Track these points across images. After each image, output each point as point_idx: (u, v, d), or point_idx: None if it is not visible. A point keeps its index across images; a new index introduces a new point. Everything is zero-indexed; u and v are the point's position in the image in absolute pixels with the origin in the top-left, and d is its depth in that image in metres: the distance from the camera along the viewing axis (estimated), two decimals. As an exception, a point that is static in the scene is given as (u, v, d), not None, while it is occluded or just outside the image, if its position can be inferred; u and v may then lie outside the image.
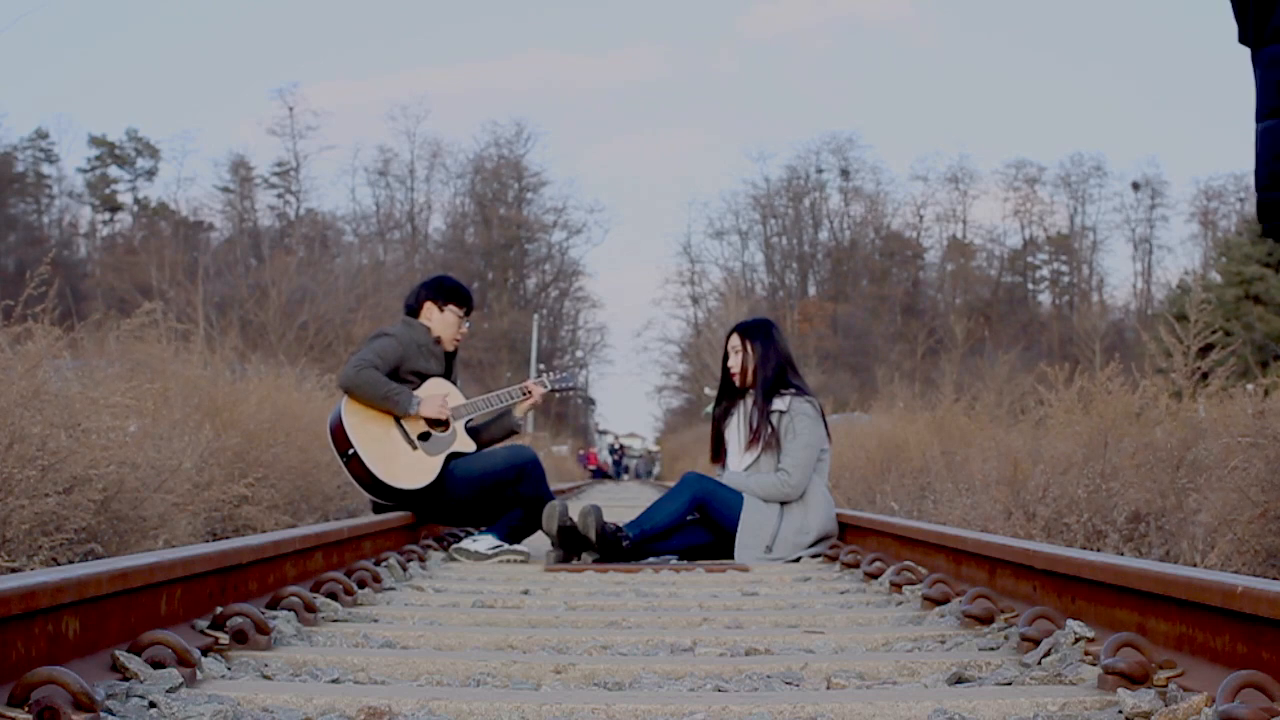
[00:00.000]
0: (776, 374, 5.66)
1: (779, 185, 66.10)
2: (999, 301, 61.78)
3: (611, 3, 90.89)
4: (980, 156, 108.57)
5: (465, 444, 5.71)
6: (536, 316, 59.77)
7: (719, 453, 5.81)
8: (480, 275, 61.34)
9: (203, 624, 2.75)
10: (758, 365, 5.65)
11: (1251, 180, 2.85)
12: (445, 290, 5.89)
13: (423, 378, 5.73)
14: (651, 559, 5.41)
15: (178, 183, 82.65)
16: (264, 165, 61.93)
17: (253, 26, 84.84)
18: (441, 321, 5.84)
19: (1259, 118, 2.77)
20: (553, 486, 6.01)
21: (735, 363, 5.71)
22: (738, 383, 5.73)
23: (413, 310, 5.89)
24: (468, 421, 5.78)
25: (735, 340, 5.74)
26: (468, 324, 5.96)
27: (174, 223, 53.79)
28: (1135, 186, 63.75)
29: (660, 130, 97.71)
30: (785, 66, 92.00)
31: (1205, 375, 7.40)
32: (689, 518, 5.53)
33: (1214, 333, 7.91)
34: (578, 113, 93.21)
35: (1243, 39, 2.84)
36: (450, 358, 5.93)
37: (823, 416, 5.71)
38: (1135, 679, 2.25)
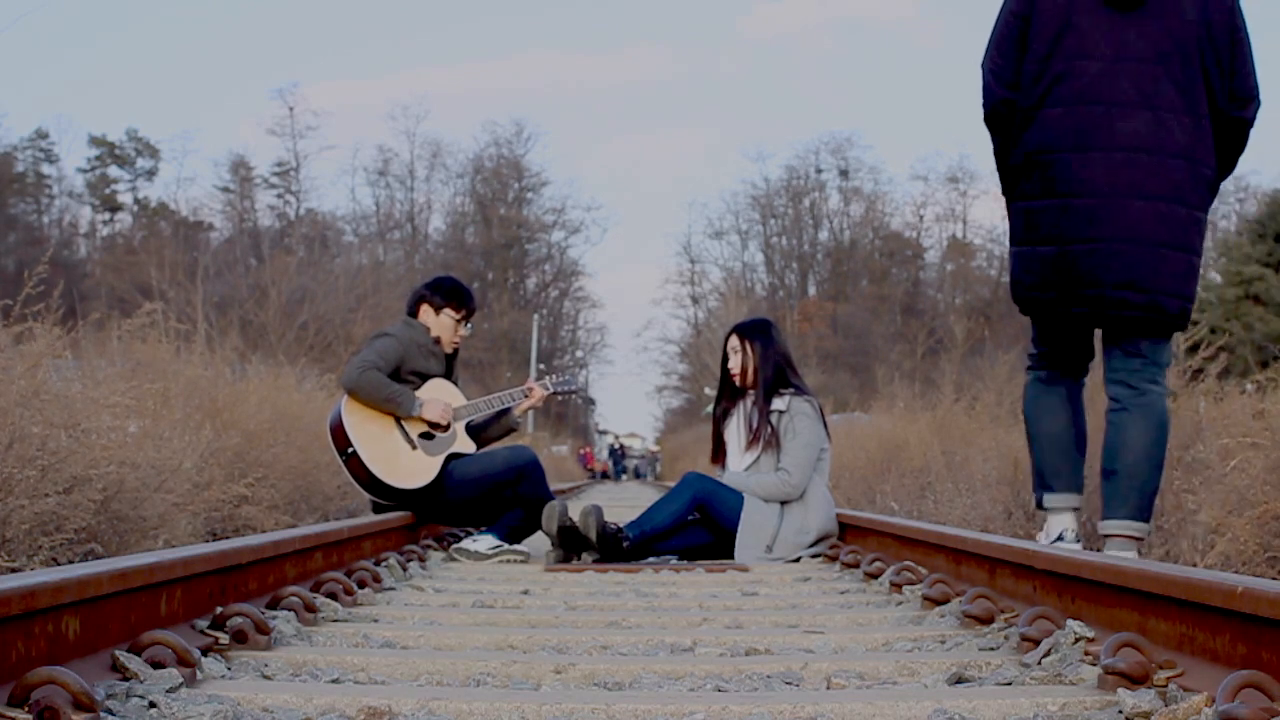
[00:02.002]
0: (776, 374, 5.66)
1: (778, 185, 66.16)
2: (999, 301, 61.62)
3: (612, 3, 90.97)
4: (980, 156, 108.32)
5: (465, 444, 5.71)
6: (536, 316, 59.77)
7: (719, 453, 5.81)
8: (480, 275, 61.32)
9: (203, 624, 2.75)
10: (757, 365, 5.65)
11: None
12: (443, 292, 5.88)
13: (423, 378, 5.72)
14: (652, 559, 5.41)
15: (178, 183, 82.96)
16: (264, 165, 62.01)
17: (253, 26, 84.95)
18: (438, 324, 5.83)
19: (1012, 244, 4.12)
20: (553, 486, 6.00)
21: (735, 363, 5.70)
22: (738, 383, 5.72)
23: (411, 310, 5.89)
24: (468, 421, 5.78)
25: (734, 341, 5.73)
26: (468, 327, 5.93)
27: (174, 223, 53.77)
28: (1135, 186, 63.68)
29: (660, 130, 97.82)
30: (786, 66, 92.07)
31: (1198, 372, 7.42)
32: (689, 518, 5.53)
33: (1212, 332, 7.94)
34: (578, 113, 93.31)
35: (1005, 194, 4.15)
36: (451, 358, 5.92)
37: (822, 416, 5.71)
38: (1135, 679, 2.25)
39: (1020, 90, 4.01)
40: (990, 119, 4.12)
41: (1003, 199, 4.24)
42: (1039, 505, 4.16)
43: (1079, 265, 3.88)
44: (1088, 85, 3.89)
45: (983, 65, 4.11)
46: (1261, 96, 4.04)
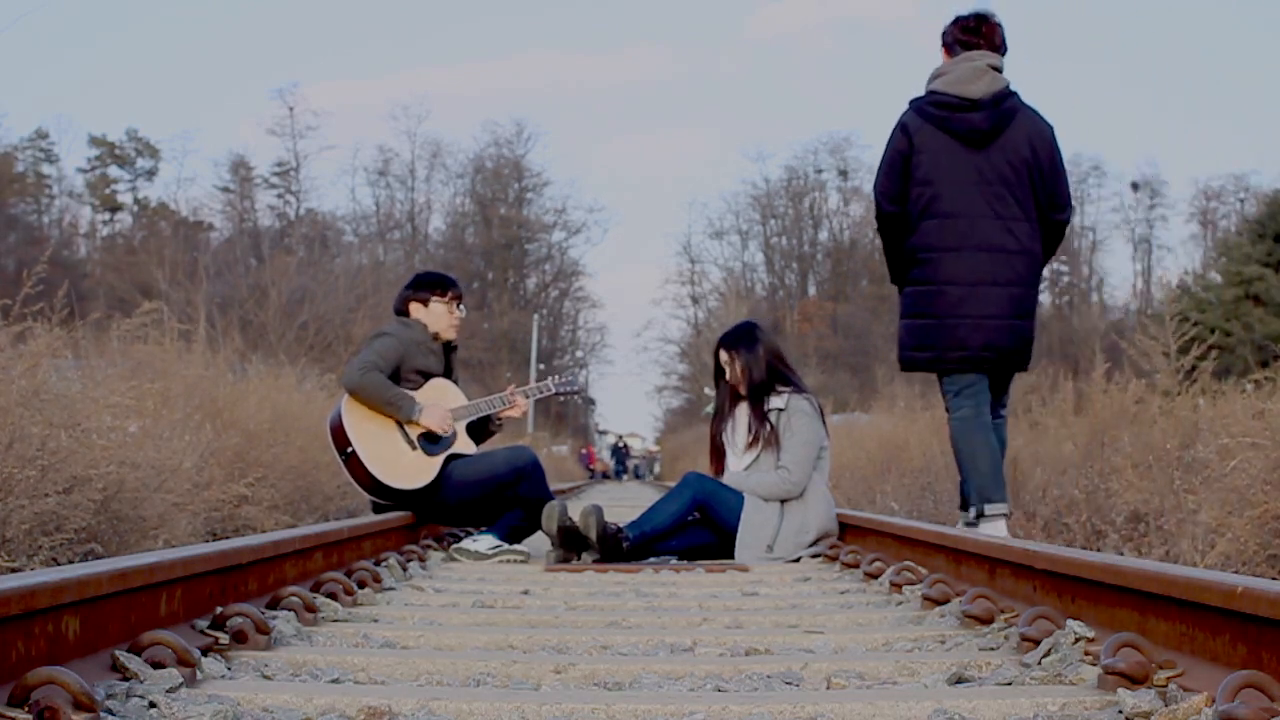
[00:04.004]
0: (769, 372, 5.65)
1: (778, 185, 66.16)
2: (999, 301, 61.59)
3: (612, 3, 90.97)
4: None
5: (465, 445, 5.70)
6: (536, 316, 59.76)
7: (719, 463, 5.79)
8: (480, 275, 61.33)
9: (203, 624, 2.75)
10: (747, 370, 5.65)
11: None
12: (425, 284, 5.89)
13: (425, 376, 5.72)
14: (652, 559, 5.41)
15: (178, 183, 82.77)
16: (264, 165, 61.94)
17: (253, 26, 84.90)
18: (431, 315, 5.83)
19: (901, 318, 5.38)
20: (552, 486, 6.00)
21: (731, 374, 5.71)
22: (741, 391, 5.71)
23: (401, 312, 5.87)
24: (472, 419, 5.77)
25: (723, 355, 5.74)
26: (460, 309, 5.93)
27: (174, 223, 53.70)
28: (1134, 186, 63.77)
29: (661, 130, 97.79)
30: (787, 66, 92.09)
31: (1192, 371, 7.44)
32: (690, 518, 5.52)
33: (1211, 332, 7.97)
34: (579, 113, 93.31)
35: (893, 281, 5.51)
36: (449, 354, 5.92)
37: (821, 414, 5.71)
38: (1135, 679, 2.26)
39: (902, 204, 5.29)
40: (881, 228, 5.45)
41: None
42: (980, 514, 5.24)
43: (955, 333, 5.20)
44: (954, 204, 5.21)
45: (874, 188, 5.42)
46: (1073, 204, 5.45)
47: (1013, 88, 5.29)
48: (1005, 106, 5.23)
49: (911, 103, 5.36)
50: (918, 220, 5.25)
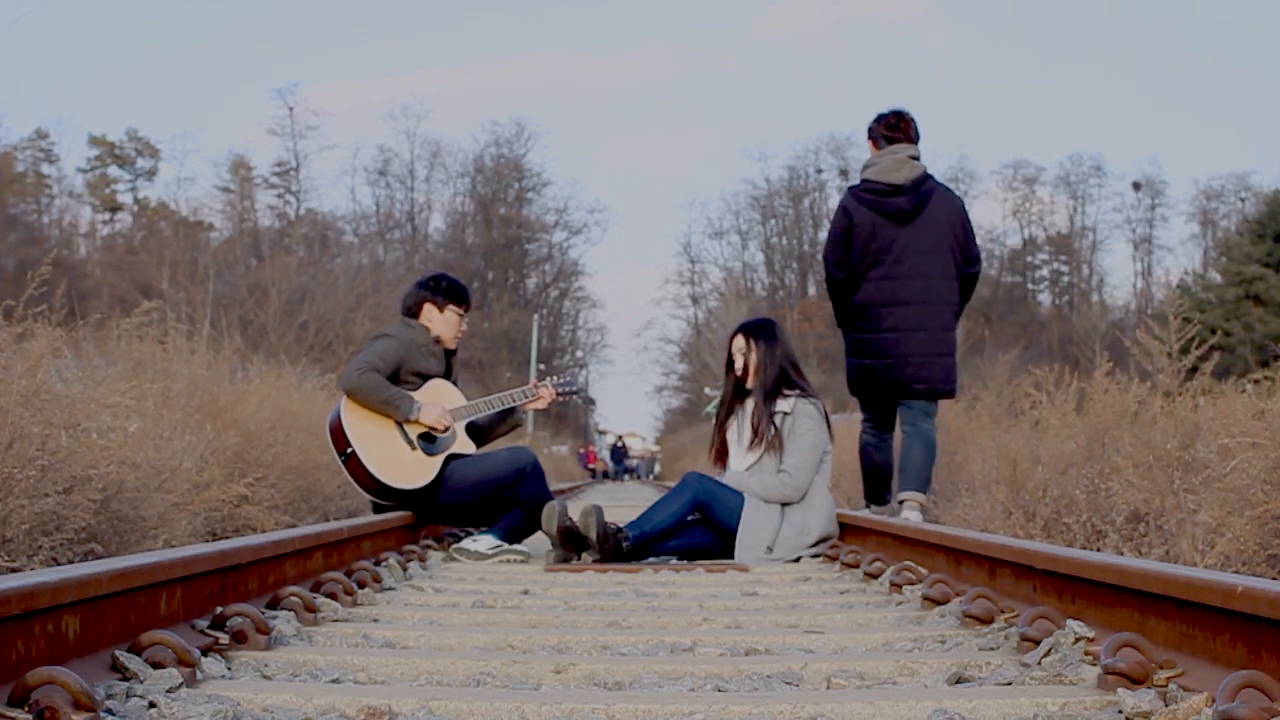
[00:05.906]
0: (780, 374, 5.65)
1: (779, 185, 66.19)
2: (999, 301, 61.70)
3: (615, 4, 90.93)
4: (979, 157, 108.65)
5: (465, 445, 5.70)
6: (536, 316, 59.78)
7: (721, 456, 5.79)
8: (480, 275, 61.33)
9: (203, 624, 2.75)
10: (763, 365, 5.64)
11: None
12: (445, 290, 5.88)
13: (424, 378, 5.72)
14: (652, 559, 5.41)
15: (178, 183, 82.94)
16: (264, 165, 62.05)
17: (253, 26, 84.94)
18: (443, 322, 5.84)
19: (847, 357, 6.72)
20: (552, 486, 6.01)
21: (742, 364, 5.70)
22: (748, 384, 5.71)
23: (411, 312, 5.87)
24: (472, 420, 5.78)
25: (740, 341, 5.73)
26: (465, 321, 5.99)
27: (174, 223, 53.68)
28: (1135, 186, 63.83)
29: (662, 131, 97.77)
30: (793, 67, 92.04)
31: (1194, 370, 7.44)
32: (690, 518, 5.52)
33: (1212, 332, 7.98)
34: (580, 113, 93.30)
35: (839, 326, 6.82)
36: (449, 357, 5.92)
37: (827, 419, 5.71)
38: (1135, 679, 2.26)
39: (848, 270, 6.55)
40: (830, 289, 6.73)
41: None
42: (867, 506, 6.78)
43: (890, 371, 6.47)
44: (887, 268, 6.47)
45: (824, 256, 6.69)
46: (982, 257, 6.83)
47: (929, 172, 6.61)
48: (923, 189, 6.53)
49: (850, 189, 6.72)
50: (859, 281, 6.52)
